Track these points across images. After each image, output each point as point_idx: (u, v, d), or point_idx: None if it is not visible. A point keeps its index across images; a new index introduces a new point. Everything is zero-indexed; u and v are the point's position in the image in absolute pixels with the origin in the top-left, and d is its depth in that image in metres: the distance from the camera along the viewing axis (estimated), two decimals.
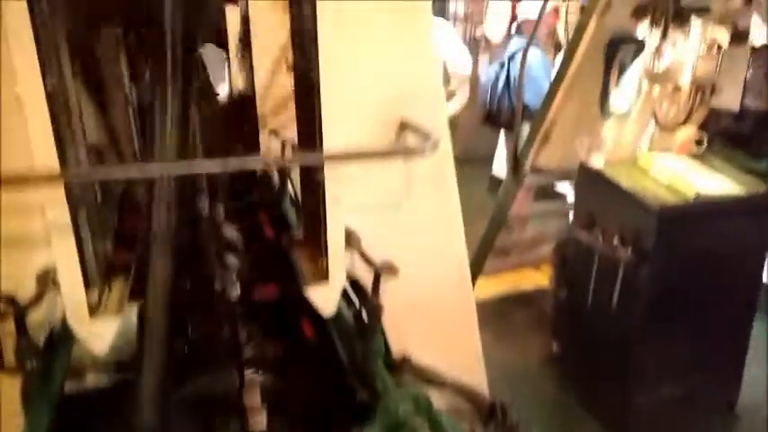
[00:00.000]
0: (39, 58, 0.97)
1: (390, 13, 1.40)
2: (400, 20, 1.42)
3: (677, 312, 2.92)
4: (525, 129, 3.57)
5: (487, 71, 5.07)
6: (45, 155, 1.01)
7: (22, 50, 0.96)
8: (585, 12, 2.89)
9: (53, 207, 1.05)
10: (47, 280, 1.11)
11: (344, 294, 1.51)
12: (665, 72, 2.49)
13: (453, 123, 5.29)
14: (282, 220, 2.21)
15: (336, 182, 1.36)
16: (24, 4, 0.95)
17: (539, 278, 4.62)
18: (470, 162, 5.70)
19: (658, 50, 2.48)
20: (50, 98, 1.00)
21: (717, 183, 2.88)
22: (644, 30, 2.64)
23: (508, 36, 5.30)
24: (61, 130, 1.05)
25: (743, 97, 3.10)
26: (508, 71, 4.70)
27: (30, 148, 1.01)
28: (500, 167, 5.50)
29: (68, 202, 1.08)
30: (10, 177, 0.91)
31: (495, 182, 5.15)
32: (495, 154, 5.70)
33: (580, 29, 2.89)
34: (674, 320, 2.93)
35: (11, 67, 0.97)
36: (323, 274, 1.44)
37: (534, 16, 4.35)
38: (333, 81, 1.29)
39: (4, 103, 1.02)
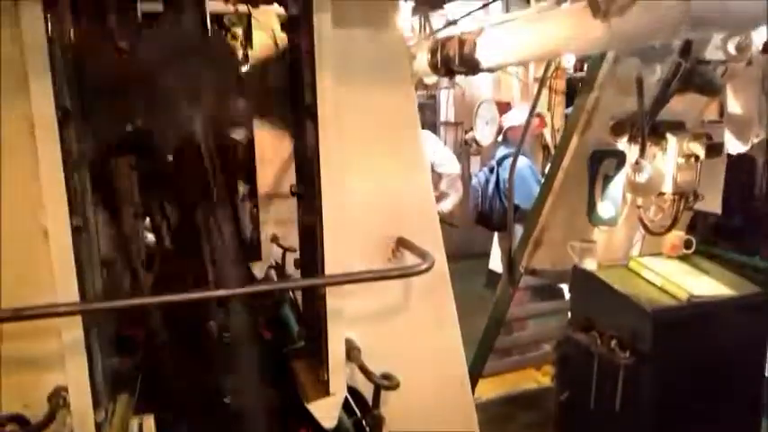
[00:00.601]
0: (67, 196, 1.06)
1: (386, 137, 1.52)
2: (395, 143, 1.54)
3: (681, 413, 2.87)
4: (518, 229, 3.67)
5: (478, 175, 5.25)
6: (66, 286, 1.07)
7: (53, 189, 1.05)
8: (567, 129, 3.07)
9: (69, 330, 1.10)
10: (58, 400, 1.14)
11: (345, 402, 1.53)
12: (647, 183, 2.61)
13: (449, 221, 5.43)
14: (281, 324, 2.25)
15: (337, 296, 1.42)
16: (58, 148, 1.06)
17: (540, 378, 4.55)
18: (468, 257, 5.80)
19: (638, 164, 2.61)
20: (75, 233, 1.08)
21: (708, 284, 2.93)
22: (624, 144, 2.80)
23: (496, 141, 5.52)
24: (82, 260, 1.12)
25: (736, 197, 3.19)
26: (497, 175, 4.88)
27: (52, 277, 1.08)
28: (496, 263, 5.56)
29: (83, 325, 1.14)
30: (33, 309, 0.96)
31: (494, 276, 5.18)
32: (491, 250, 5.79)
33: (563, 144, 3.06)
34: (678, 422, 2.87)
35: (42, 204, 1.06)
36: (323, 387, 1.46)
37: (519, 122, 4.59)
38: (333, 203, 1.38)
39: (31, 235, 1.09)
